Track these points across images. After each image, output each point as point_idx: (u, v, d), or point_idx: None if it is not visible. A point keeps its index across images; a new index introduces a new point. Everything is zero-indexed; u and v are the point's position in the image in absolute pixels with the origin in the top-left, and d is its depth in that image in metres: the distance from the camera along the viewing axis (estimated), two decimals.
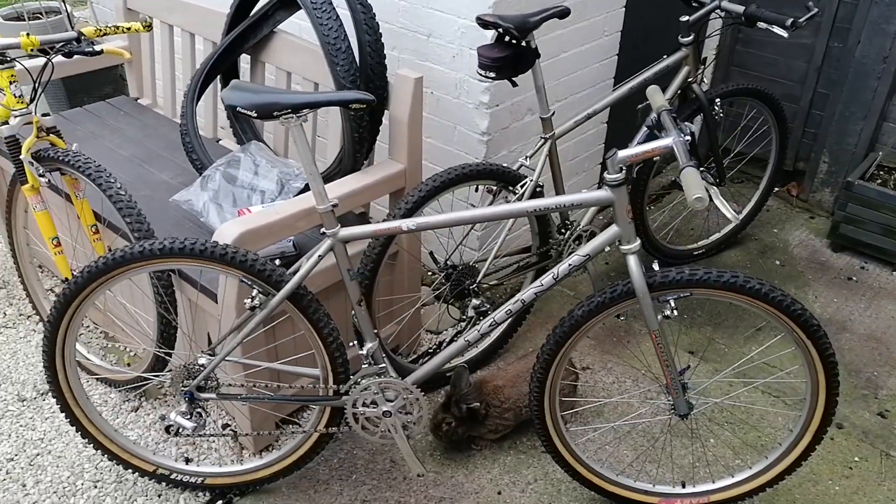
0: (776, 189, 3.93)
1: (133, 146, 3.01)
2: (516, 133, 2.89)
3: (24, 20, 4.39)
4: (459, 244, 2.72)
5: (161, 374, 2.37)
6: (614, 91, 2.76)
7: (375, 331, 2.09)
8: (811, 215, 3.84)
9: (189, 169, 2.82)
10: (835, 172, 3.74)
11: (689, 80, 2.90)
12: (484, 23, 2.35)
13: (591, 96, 3.15)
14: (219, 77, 2.86)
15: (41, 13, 4.48)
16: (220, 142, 3.10)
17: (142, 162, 2.90)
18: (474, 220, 1.94)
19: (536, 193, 2.61)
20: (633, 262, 1.91)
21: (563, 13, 2.45)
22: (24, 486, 2.32)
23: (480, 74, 2.40)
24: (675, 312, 1.93)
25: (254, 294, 1.97)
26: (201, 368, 2.05)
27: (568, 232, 2.80)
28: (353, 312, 2.06)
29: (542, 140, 2.63)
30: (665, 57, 2.85)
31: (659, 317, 1.95)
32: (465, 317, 2.58)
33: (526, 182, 2.54)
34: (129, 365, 2.66)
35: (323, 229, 1.92)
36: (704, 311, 3.12)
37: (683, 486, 2.30)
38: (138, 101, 3.42)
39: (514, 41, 2.36)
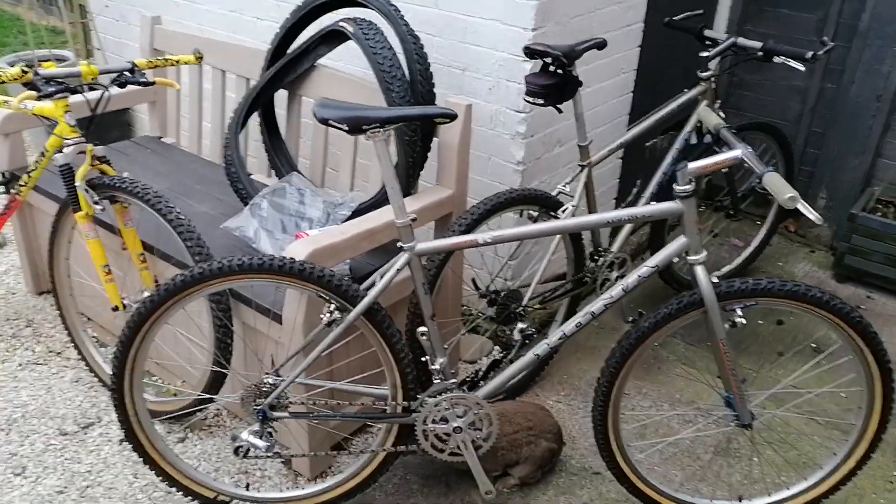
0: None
1: (166, 181, 3.03)
2: (547, 164, 2.99)
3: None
4: (503, 268, 2.78)
5: (231, 396, 2.35)
6: (644, 120, 2.88)
7: (445, 346, 2.12)
8: (811, 249, 4.00)
9: (227, 201, 2.85)
10: (832, 207, 3.91)
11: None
12: (531, 52, 2.46)
13: (609, 131, 3.27)
14: (257, 112, 2.90)
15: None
16: (252, 176, 3.13)
17: (179, 195, 2.92)
18: (552, 231, 2.01)
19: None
20: (700, 273, 1.99)
21: (602, 44, 2.58)
22: None
23: (528, 101, 2.50)
24: (744, 321, 2.01)
25: (331, 309, 1.99)
26: (272, 387, 2.05)
27: (601, 258, 2.88)
28: (421, 330, 2.09)
29: (580, 168, 2.72)
30: (685, 91, 2.99)
31: (726, 325, 2.02)
32: (510, 342, 2.63)
33: (567, 207, 2.62)
34: (175, 395, 2.62)
35: (400, 243, 1.97)
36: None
37: (740, 501, 2.34)
38: (161, 139, 3.45)
39: (559, 70, 2.48)
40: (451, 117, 1.89)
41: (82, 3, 4.51)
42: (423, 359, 2.12)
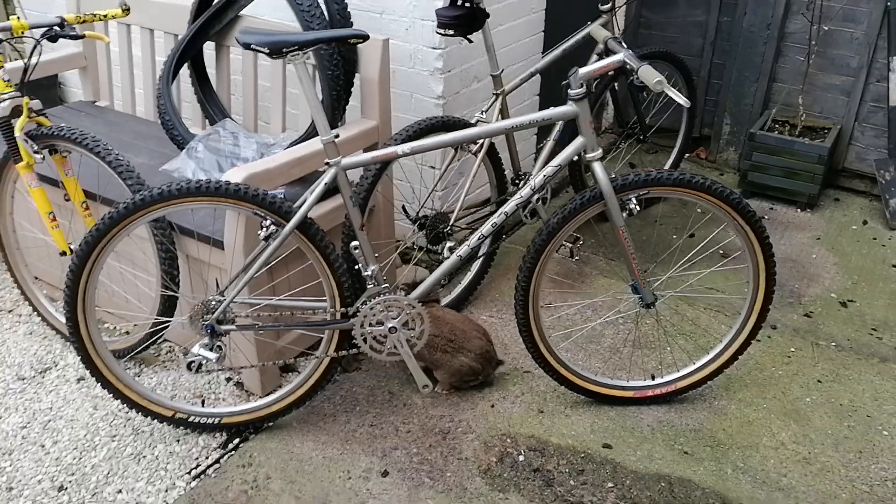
0: (686, 154, 4.38)
1: (104, 139, 3.13)
2: (466, 98, 3.19)
3: None
4: (431, 193, 2.98)
5: (180, 317, 2.50)
6: (551, 51, 3.10)
7: (376, 255, 2.32)
8: (721, 172, 4.30)
9: (164, 153, 2.98)
10: (736, 132, 4.21)
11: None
12: None
13: (524, 68, 3.48)
14: (187, 64, 3.04)
15: None
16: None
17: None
18: (464, 139, 2.21)
19: (492, 147, 2.91)
20: (598, 168, 2.22)
21: None
22: (44, 446, 2.40)
23: (439, 33, 2.70)
24: (638, 209, 2.25)
25: (267, 224, 2.17)
26: (219, 304, 2.22)
27: (522, 182, 3.10)
28: (353, 244, 2.28)
29: (494, 96, 2.94)
30: (589, 23, 3.22)
31: (624, 214, 2.26)
32: (440, 260, 2.84)
33: None
34: (128, 333, 2.77)
35: (326, 160, 2.15)
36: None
37: (653, 379, 2.61)
38: (95, 103, 3.54)
39: (467, 2, 2.67)
40: (363, 37, 2.08)
41: None
42: (356, 267, 2.31)
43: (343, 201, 2.21)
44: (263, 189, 2.15)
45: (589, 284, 3.25)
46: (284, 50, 2.00)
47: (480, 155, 2.83)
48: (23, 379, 2.68)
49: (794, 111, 3.93)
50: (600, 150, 2.23)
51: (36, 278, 2.99)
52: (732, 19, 4.08)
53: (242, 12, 2.94)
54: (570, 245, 3.09)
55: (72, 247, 2.61)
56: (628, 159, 4.15)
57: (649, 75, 1.90)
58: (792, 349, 2.88)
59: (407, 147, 2.16)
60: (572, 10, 3.71)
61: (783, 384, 2.70)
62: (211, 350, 2.24)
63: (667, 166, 3.99)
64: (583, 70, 2.11)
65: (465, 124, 2.77)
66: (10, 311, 3.04)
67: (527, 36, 3.47)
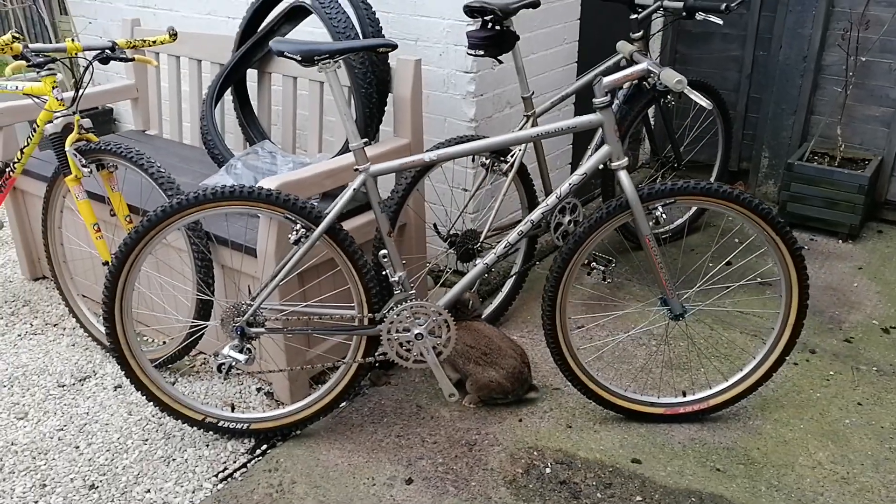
0: None
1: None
2: (499, 123, 3.26)
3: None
4: (462, 211, 3.02)
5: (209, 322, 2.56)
6: (583, 76, 3.16)
7: (403, 261, 2.36)
8: None
9: (206, 174, 3.09)
10: (775, 165, 4.19)
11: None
12: (471, 10, 2.74)
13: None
14: (230, 90, 3.17)
15: None
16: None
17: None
18: (490, 147, 2.25)
19: (523, 168, 2.96)
20: (624, 177, 2.24)
21: (535, 3, 2.86)
22: (78, 447, 2.46)
23: (470, 54, 2.78)
24: (665, 217, 2.26)
25: (297, 228, 2.23)
26: (249, 307, 2.28)
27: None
28: (382, 253, 2.32)
29: (525, 118, 2.99)
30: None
31: (650, 223, 2.27)
32: None
33: (514, 151, 2.89)
34: (164, 343, 2.84)
35: (356, 166, 2.22)
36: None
37: (684, 395, 2.56)
38: (145, 132, 3.71)
39: (497, 25, 2.75)
40: (392, 47, 2.16)
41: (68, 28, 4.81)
42: (384, 274, 2.35)
43: (372, 209, 2.27)
44: (295, 195, 2.22)
45: (622, 309, 3.23)
46: (316, 58, 2.09)
47: (511, 174, 2.88)
48: (63, 386, 2.76)
49: (832, 143, 3.90)
50: (626, 159, 2.25)
51: (84, 296, 3.10)
52: (768, 53, 4.10)
53: None
54: (603, 268, 3.10)
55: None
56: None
57: (670, 76, 1.94)
58: (831, 372, 2.81)
59: (434, 154, 2.22)
60: (605, 41, 3.78)
61: (821, 406, 2.63)
62: (241, 352, 2.29)
63: None
64: (607, 79, 2.15)
65: None
66: (55, 325, 3.15)
67: (560, 66, 3.54)
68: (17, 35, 2.48)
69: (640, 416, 2.55)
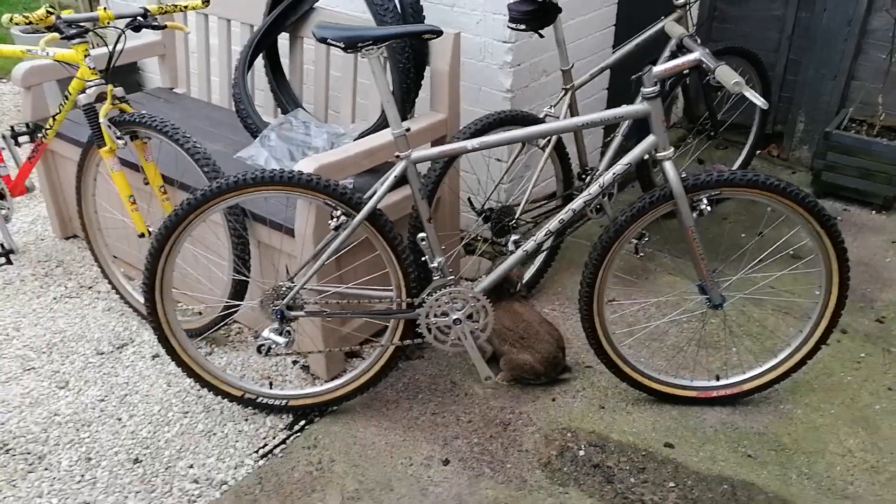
0: (757, 152, 4.28)
1: (179, 125, 3.23)
2: (535, 92, 3.19)
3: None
4: (497, 186, 2.99)
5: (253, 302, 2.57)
6: (623, 46, 3.08)
7: (443, 247, 2.35)
8: (793, 171, 4.20)
9: (238, 140, 3.07)
10: (811, 130, 4.10)
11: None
12: None
13: (593, 62, 3.46)
14: (262, 55, 3.11)
15: None
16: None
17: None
18: (533, 136, 2.21)
19: (560, 142, 2.91)
20: (669, 168, 2.20)
21: None
22: (120, 419, 2.51)
23: (510, 27, 2.70)
24: (709, 209, 2.23)
25: (338, 215, 2.21)
26: (289, 290, 2.28)
27: (588, 177, 3.09)
28: (420, 236, 2.31)
29: (564, 91, 2.93)
30: (662, 18, 3.17)
31: (694, 215, 2.24)
32: (505, 252, 2.85)
33: None
34: (200, 314, 2.86)
35: (397, 153, 2.18)
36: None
37: (718, 380, 2.58)
38: (173, 90, 3.66)
39: None
40: (437, 33, 2.10)
41: None
42: (422, 259, 2.34)
43: (412, 193, 2.24)
44: (335, 180, 2.20)
45: (653, 282, 3.23)
46: (359, 45, 2.04)
47: (548, 150, 2.83)
48: (101, 353, 2.80)
49: (872, 110, 3.81)
50: (672, 149, 2.20)
51: (115, 257, 3.12)
52: (811, 14, 3.97)
53: (317, 4, 3.00)
54: (636, 241, 3.07)
55: (150, 229, 2.71)
56: (697, 155, 4.08)
57: (727, 76, 1.88)
58: (862, 354, 2.81)
59: (476, 142, 2.18)
60: (645, 3, 3.66)
61: (852, 390, 2.65)
62: (280, 335, 2.31)
63: (737, 163, 3.91)
64: (657, 68, 2.09)
65: (533, 119, 2.78)
66: (90, 288, 3.18)
67: (597, 30, 3.45)
68: (51, 10, 2.43)
69: (672, 399, 2.57)
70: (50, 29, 2.48)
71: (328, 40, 2.03)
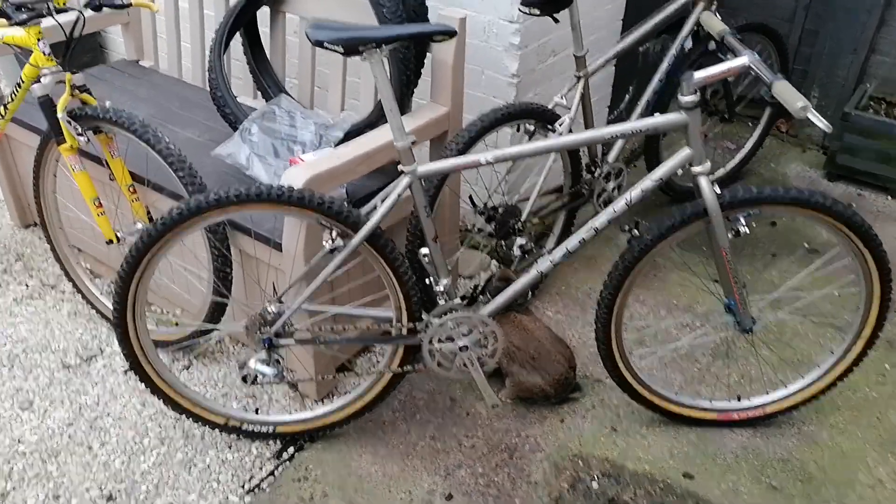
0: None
1: (147, 107, 2.93)
2: (542, 75, 2.92)
3: None
4: (500, 183, 2.75)
5: (234, 325, 2.35)
6: (639, 27, 2.80)
7: (449, 267, 2.11)
8: (803, 149, 3.99)
9: (214, 127, 2.78)
10: (824, 106, 3.87)
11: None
12: None
13: (603, 38, 3.19)
14: (239, 33, 2.79)
15: None
16: (237, 99, 3.03)
17: (162, 122, 2.83)
18: (553, 148, 1.97)
19: (569, 132, 2.65)
20: (704, 183, 1.97)
21: None
22: (91, 448, 2.28)
23: (523, 11, 2.42)
24: (747, 230, 2.01)
25: (333, 236, 1.97)
26: (276, 315, 2.04)
27: (598, 170, 2.85)
28: (423, 252, 2.07)
29: (576, 79, 2.66)
30: None
31: (729, 235, 2.02)
32: (509, 257, 2.63)
33: (563, 120, 2.58)
34: (176, 325, 2.62)
35: (400, 167, 1.93)
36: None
37: (739, 400, 2.40)
38: (139, 63, 3.32)
39: None
40: (451, 34, 1.82)
41: None
42: (426, 280, 2.11)
43: (415, 211, 2.00)
44: (329, 197, 1.94)
45: (663, 280, 3.03)
46: (361, 48, 1.76)
47: None
48: (68, 367, 2.56)
49: (894, 88, 3.58)
50: (708, 163, 1.97)
51: (79, 250, 2.84)
52: None
53: None
54: (629, 228, 2.84)
55: (119, 234, 2.44)
56: (703, 129, 3.83)
57: (790, 96, 1.63)
58: (886, 366, 2.65)
59: (490, 156, 1.92)
60: None
61: (879, 408, 2.49)
62: (268, 365, 2.08)
63: (750, 142, 3.67)
64: (699, 74, 1.84)
65: (543, 111, 2.52)
66: (53, 287, 2.91)
67: (607, 2, 3.15)
68: None
69: (690, 421, 2.40)
70: None
71: (325, 44, 1.74)
